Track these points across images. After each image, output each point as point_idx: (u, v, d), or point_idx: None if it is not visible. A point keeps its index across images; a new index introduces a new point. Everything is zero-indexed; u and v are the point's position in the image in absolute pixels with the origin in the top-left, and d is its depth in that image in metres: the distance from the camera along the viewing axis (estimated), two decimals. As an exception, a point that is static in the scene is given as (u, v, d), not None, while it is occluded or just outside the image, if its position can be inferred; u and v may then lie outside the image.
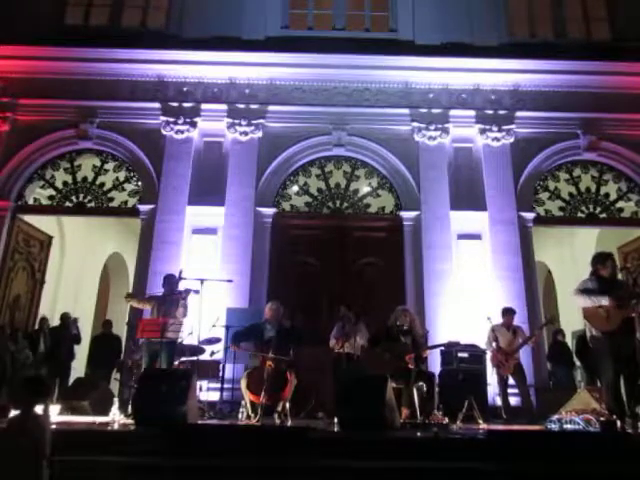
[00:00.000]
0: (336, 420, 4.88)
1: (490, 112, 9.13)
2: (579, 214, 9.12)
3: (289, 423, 5.38)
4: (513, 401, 6.88)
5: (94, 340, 9.27)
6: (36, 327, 8.64)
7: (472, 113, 9.16)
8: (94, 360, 8.80)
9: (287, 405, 5.53)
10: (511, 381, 6.85)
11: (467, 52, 9.15)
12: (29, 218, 9.15)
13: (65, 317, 8.82)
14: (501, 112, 9.12)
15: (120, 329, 8.94)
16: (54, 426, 4.23)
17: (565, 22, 9.88)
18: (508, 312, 7.07)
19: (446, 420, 5.58)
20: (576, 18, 9.89)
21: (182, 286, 6.32)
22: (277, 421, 5.38)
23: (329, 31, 9.79)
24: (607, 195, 9.19)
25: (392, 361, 5.72)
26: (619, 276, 5.64)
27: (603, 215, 9.10)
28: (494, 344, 6.85)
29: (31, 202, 9.18)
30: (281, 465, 3.53)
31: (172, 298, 6.20)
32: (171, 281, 6.38)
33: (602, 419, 4.61)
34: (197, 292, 6.28)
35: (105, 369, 8.43)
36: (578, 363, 9.11)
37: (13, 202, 8.89)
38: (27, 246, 9.08)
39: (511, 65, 9.16)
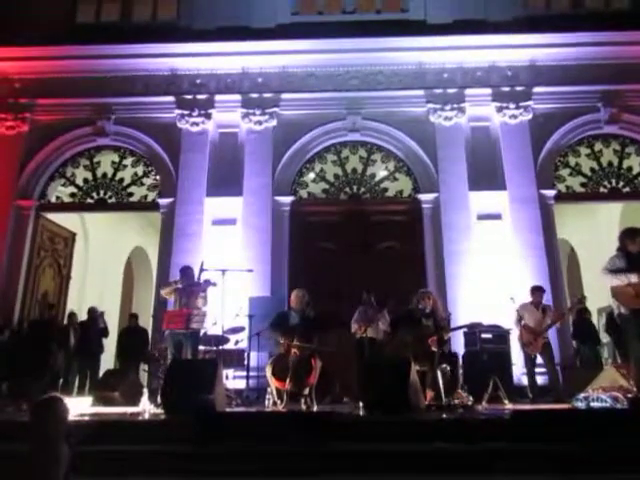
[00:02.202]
0: (361, 404, 4.92)
1: (507, 89, 8.97)
2: (601, 189, 8.95)
3: (315, 408, 5.45)
4: (540, 380, 6.83)
5: (122, 333, 9.46)
6: (65, 322, 8.85)
7: (488, 91, 9.01)
8: (123, 352, 8.99)
9: (313, 391, 5.59)
10: (539, 360, 6.74)
11: (481, 29, 8.97)
12: (52, 216, 9.35)
13: (92, 311, 9.00)
14: (518, 88, 8.95)
15: (146, 321, 9.10)
16: (87, 417, 4.38)
17: (582, -8, 9.60)
18: (537, 290, 6.84)
19: (471, 401, 5.58)
20: (593, -13, 9.61)
21: (204, 278, 6.40)
22: (303, 407, 5.44)
23: (339, 15, 9.69)
24: (630, 168, 8.99)
25: (415, 344, 5.72)
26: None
27: (626, 189, 8.92)
28: (522, 322, 6.70)
29: (53, 200, 9.37)
30: (308, 449, 3.58)
31: (191, 289, 6.29)
32: (188, 273, 6.46)
33: (630, 396, 4.55)
34: (214, 284, 6.37)
35: (133, 361, 8.59)
36: (605, 340, 8.98)
37: (36, 201, 9.10)
38: (52, 243, 9.30)
39: (527, 40, 8.95)
